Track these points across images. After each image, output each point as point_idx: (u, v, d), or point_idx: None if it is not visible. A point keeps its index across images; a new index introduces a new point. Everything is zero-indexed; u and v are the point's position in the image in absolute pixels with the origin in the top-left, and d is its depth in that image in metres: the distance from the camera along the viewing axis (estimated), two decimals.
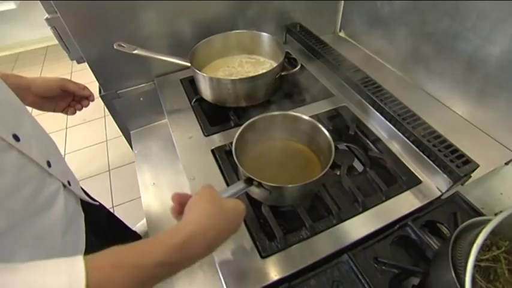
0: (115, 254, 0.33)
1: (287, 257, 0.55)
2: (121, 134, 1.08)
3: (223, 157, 0.71)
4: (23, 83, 0.66)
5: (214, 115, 0.81)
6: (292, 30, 1.04)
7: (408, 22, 0.85)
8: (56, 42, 0.85)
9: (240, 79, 0.74)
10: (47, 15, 0.81)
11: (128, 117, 1.03)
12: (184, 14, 0.89)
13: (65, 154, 1.90)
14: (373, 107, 0.77)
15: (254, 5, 0.95)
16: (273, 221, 0.59)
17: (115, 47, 0.71)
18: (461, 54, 0.73)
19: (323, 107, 0.84)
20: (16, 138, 0.46)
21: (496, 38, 0.66)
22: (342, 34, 1.14)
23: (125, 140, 1.09)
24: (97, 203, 0.75)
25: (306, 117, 0.66)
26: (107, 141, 1.93)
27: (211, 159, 0.72)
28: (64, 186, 0.58)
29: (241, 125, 0.77)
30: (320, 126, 0.64)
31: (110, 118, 2.02)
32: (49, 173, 0.53)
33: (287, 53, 0.87)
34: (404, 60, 0.92)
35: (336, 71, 0.87)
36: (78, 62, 1.00)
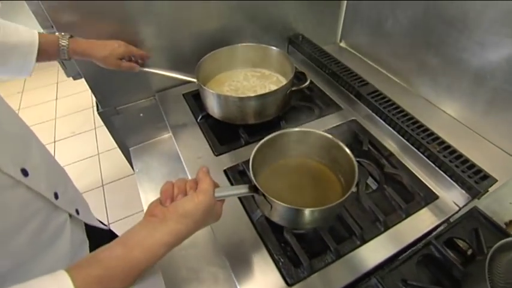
0: (97, 283, 0.33)
1: (314, 284, 0.54)
2: (114, 146, 1.03)
3: (237, 177, 0.69)
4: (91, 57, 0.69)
5: (223, 133, 0.79)
6: (295, 41, 1.03)
7: (413, 34, 0.85)
8: None
9: (250, 97, 0.72)
10: (42, 31, 0.76)
11: (127, 133, 0.99)
12: (184, 27, 0.86)
13: None
14: (384, 121, 0.76)
15: (257, 16, 0.94)
16: (297, 246, 0.57)
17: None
18: (469, 66, 0.74)
19: (332, 121, 0.83)
20: (25, 173, 0.42)
21: (504, 51, 0.67)
22: (342, 44, 1.14)
23: (119, 153, 1.05)
24: (106, 227, 0.71)
25: (325, 134, 0.64)
26: (98, 154, 1.86)
27: (225, 180, 0.69)
28: (71, 215, 0.54)
29: (251, 142, 0.76)
30: (340, 143, 0.62)
31: (100, 130, 1.98)
32: (55, 205, 0.49)
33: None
34: (408, 72, 0.92)
35: (343, 84, 0.87)
36: (75, 79, 0.96)
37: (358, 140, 0.78)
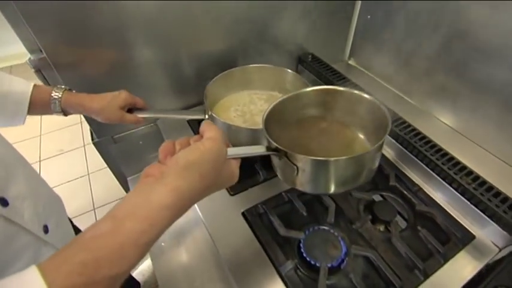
0: (81, 267, 0.25)
1: None
2: (105, 165, 0.94)
3: (258, 223, 0.62)
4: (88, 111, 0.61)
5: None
6: (304, 60, 0.97)
7: (432, 56, 0.81)
8: (23, 61, 0.70)
9: None
10: (29, 56, 0.68)
11: (125, 162, 0.91)
12: (188, 47, 0.79)
13: None
14: (407, 149, 0.71)
15: (266, 35, 0.87)
16: None
17: None
18: (497, 92, 0.70)
19: None
20: (3, 202, 0.38)
21: None
22: (351, 62, 1.09)
23: (110, 173, 0.96)
24: None
25: (343, 89, 0.57)
26: (88, 174, 1.75)
27: (244, 225, 0.62)
28: None
29: (270, 178, 0.69)
30: (363, 94, 0.54)
31: (90, 148, 1.83)
32: (45, 241, 0.44)
33: None
34: (425, 94, 0.88)
35: None
36: None
37: (383, 172, 0.72)
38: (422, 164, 0.69)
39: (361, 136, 0.60)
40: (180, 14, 0.72)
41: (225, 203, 0.66)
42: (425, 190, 0.68)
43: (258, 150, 0.44)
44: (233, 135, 0.69)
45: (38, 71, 0.66)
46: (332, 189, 0.47)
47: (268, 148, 0.44)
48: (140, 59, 0.74)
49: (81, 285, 0.24)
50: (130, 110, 0.63)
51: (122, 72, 0.74)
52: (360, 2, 0.94)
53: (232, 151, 0.38)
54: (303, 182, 0.46)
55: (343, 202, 0.66)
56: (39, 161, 1.84)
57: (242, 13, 0.79)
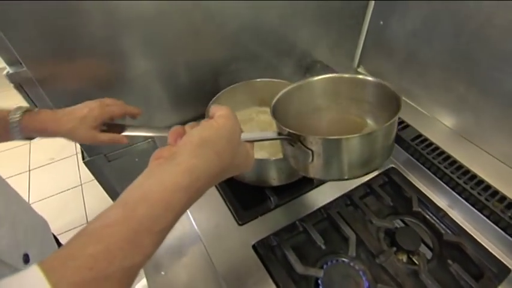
0: (90, 260, 0.23)
1: None
2: None
3: (271, 257, 0.55)
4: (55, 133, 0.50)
5: (245, 192, 0.65)
6: (312, 69, 0.91)
7: (452, 66, 0.75)
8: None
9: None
10: (7, 70, 0.60)
11: (121, 182, 0.84)
12: (189, 57, 0.72)
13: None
14: (429, 170, 0.65)
15: (272, 44, 0.81)
16: None
17: None
18: None
19: None
20: None
21: None
22: (361, 70, 1.03)
23: None
24: None
25: (347, 75, 0.53)
26: (81, 184, 1.66)
27: (255, 260, 0.55)
28: None
29: (282, 205, 0.63)
30: (366, 77, 0.52)
31: None
32: None
33: None
34: (443, 105, 0.82)
35: None
36: None
37: (403, 195, 0.66)
38: (447, 187, 0.63)
39: (371, 123, 0.55)
40: (179, 20, 0.65)
41: (234, 234, 0.59)
42: (451, 216, 0.62)
43: (271, 135, 0.42)
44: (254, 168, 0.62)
45: (19, 86, 0.59)
46: (348, 173, 0.43)
47: (280, 134, 0.43)
48: (135, 71, 0.67)
49: (92, 281, 0.22)
50: (112, 127, 0.52)
51: (115, 85, 0.67)
52: (371, 8, 0.88)
53: (245, 136, 0.37)
54: (318, 169, 0.43)
55: (363, 231, 0.60)
56: (29, 171, 1.75)
57: (247, 20, 0.72)
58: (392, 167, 0.72)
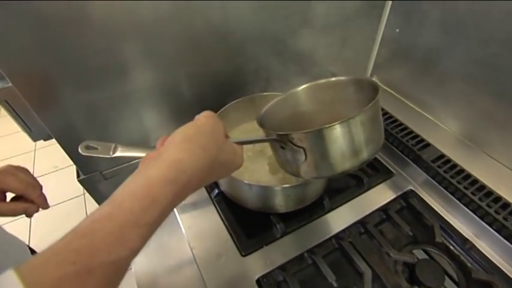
0: (73, 254, 0.22)
1: None
2: None
3: None
4: None
5: (249, 219, 0.59)
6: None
7: (477, 78, 0.68)
8: None
9: (298, 185, 0.52)
10: None
11: None
12: (192, 69, 0.67)
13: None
14: (459, 200, 0.58)
15: (281, 55, 0.75)
16: None
17: (80, 150, 0.43)
18: None
19: (385, 194, 0.65)
20: None
21: None
22: (374, 79, 0.96)
23: None
24: None
25: (323, 80, 0.55)
26: (84, 194, 1.64)
27: None
28: None
29: (289, 233, 0.57)
30: (339, 78, 0.53)
31: None
32: None
33: None
34: (466, 121, 0.75)
35: (396, 143, 0.69)
36: (46, 139, 0.76)
37: (424, 223, 0.60)
38: (475, 215, 0.56)
39: None
40: (178, 30, 0.60)
41: (236, 267, 0.53)
42: (479, 248, 0.56)
43: (260, 137, 0.45)
44: (239, 190, 0.57)
45: (5, 103, 0.55)
46: (340, 166, 0.43)
47: (269, 140, 0.45)
48: (132, 84, 0.62)
49: (74, 275, 0.21)
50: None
51: (110, 100, 0.62)
52: (387, 14, 0.82)
53: (234, 139, 0.38)
54: (312, 167, 0.43)
55: (379, 265, 0.54)
56: None
57: (252, 29, 0.67)
58: (411, 190, 0.65)
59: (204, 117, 0.34)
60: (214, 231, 0.59)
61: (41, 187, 0.48)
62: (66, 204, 1.61)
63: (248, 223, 0.59)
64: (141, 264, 0.58)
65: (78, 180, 0.72)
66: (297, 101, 0.57)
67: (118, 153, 0.49)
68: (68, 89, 0.57)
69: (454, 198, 0.59)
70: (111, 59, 0.57)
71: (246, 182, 0.51)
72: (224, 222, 0.60)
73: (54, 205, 1.61)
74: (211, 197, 0.64)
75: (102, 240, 0.23)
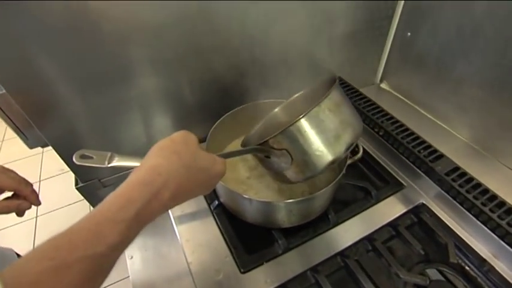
0: (52, 251, 0.25)
1: None
2: None
3: None
4: None
5: (250, 233, 0.56)
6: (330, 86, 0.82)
7: (494, 85, 0.64)
8: None
9: (302, 200, 0.49)
10: None
11: None
12: (186, 74, 0.64)
13: (36, 216, 1.58)
14: (476, 217, 0.54)
15: (286, 59, 0.73)
16: None
17: (75, 160, 0.41)
18: None
19: (395, 208, 0.61)
20: None
21: None
22: (383, 85, 0.93)
23: None
24: None
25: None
26: None
27: None
28: None
29: (292, 248, 0.54)
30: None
31: None
32: None
33: None
34: (481, 130, 0.71)
35: (407, 154, 0.65)
36: (42, 147, 0.75)
37: (437, 240, 0.56)
38: (492, 233, 0.52)
39: None
40: (181, 35, 0.58)
41: (235, 284, 0.50)
42: (498, 270, 0.51)
43: (243, 150, 0.46)
44: (239, 204, 0.54)
45: None
46: (332, 151, 0.45)
47: (252, 150, 0.47)
48: (133, 90, 0.60)
49: (52, 270, 0.23)
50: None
51: (111, 108, 0.61)
52: (398, 17, 0.78)
53: (216, 154, 0.39)
54: (303, 163, 0.45)
55: (387, 287, 0.50)
56: (39, 181, 1.74)
57: (257, 33, 0.65)
58: (423, 204, 0.61)
59: (177, 132, 0.36)
60: (213, 245, 0.56)
61: (31, 184, 0.48)
62: (72, 207, 1.61)
63: (248, 237, 0.56)
64: (138, 273, 0.56)
65: (77, 188, 0.71)
66: (277, 121, 0.60)
67: (114, 163, 0.46)
68: (66, 96, 0.55)
69: (470, 215, 0.55)
70: (112, 64, 0.56)
71: (245, 196, 0.48)
72: (223, 236, 0.57)
73: (60, 208, 1.62)
74: (210, 209, 0.61)
75: (80, 237, 0.25)
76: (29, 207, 0.47)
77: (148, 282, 0.55)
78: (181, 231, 0.59)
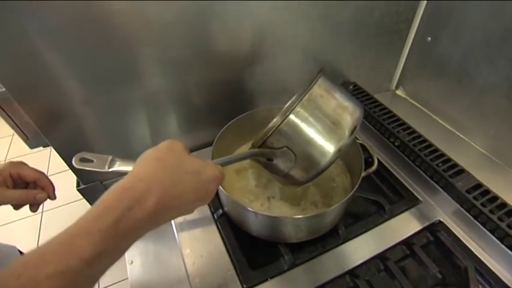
0: (20, 268, 0.23)
1: None
2: None
3: None
4: None
5: (254, 246, 0.53)
6: None
7: None
8: None
9: (311, 216, 0.46)
10: None
11: None
12: (193, 75, 0.62)
13: (42, 211, 1.59)
14: (501, 240, 0.50)
15: (297, 64, 0.69)
16: None
17: (74, 163, 0.40)
18: None
19: (409, 225, 0.57)
20: None
21: None
22: (399, 92, 0.88)
23: None
24: None
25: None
26: None
27: None
28: None
29: (298, 265, 0.51)
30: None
31: None
32: None
33: None
34: (508, 142, 0.66)
35: (425, 168, 0.61)
36: (44, 147, 0.74)
37: (455, 263, 0.52)
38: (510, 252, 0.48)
39: None
40: (188, 34, 0.55)
41: None
42: None
43: (243, 155, 0.44)
44: (244, 216, 0.51)
45: None
46: (336, 139, 0.43)
47: (251, 154, 0.45)
48: (138, 91, 0.58)
49: None
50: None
51: (118, 108, 0.59)
52: (418, 21, 0.74)
53: (216, 160, 0.38)
54: (308, 157, 0.43)
55: None
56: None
57: (268, 34, 0.62)
58: (440, 221, 0.57)
59: (162, 142, 0.35)
60: (215, 257, 0.53)
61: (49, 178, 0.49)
62: (77, 203, 1.60)
63: (253, 251, 0.53)
64: (137, 278, 0.54)
65: (78, 190, 0.69)
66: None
67: (115, 168, 0.44)
68: (70, 95, 0.53)
69: (493, 237, 0.50)
70: (118, 63, 0.54)
71: (250, 209, 0.45)
72: (227, 248, 0.54)
73: (65, 204, 1.62)
74: (214, 218, 0.59)
75: (51, 251, 0.23)
76: (45, 199, 0.47)
77: (146, 284, 0.53)
78: (182, 239, 0.56)
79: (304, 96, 0.41)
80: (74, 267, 0.23)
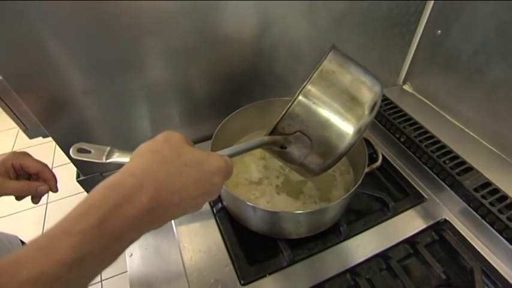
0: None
1: None
2: None
3: None
4: None
5: (254, 242, 0.52)
6: None
7: None
8: None
9: (311, 212, 0.45)
10: None
11: None
12: (196, 67, 0.61)
13: (47, 203, 1.60)
14: (509, 241, 0.48)
15: (302, 56, 0.67)
16: None
17: (71, 153, 0.40)
18: None
19: (413, 223, 0.55)
20: None
21: None
22: (406, 87, 0.86)
23: None
24: None
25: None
26: None
27: None
28: None
29: (298, 261, 0.50)
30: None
31: None
32: None
33: None
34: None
35: (431, 165, 0.59)
36: (44, 137, 0.73)
37: (460, 263, 0.50)
38: None
39: None
40: (190, 25, 0.54)
41: None
42: None
43: (255, 143, 0.39)
44: (242, 211, 0.50)
45: None
46: (356, 116, 0.37)
47: (262, 143, 0.39)
48: (139, 82, 0.57)
49: None
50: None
51: (119, 99, 0.58)
52: (427, 14, 0.71)
53: (224, 151, 0.35)
54: (326, 142, 0.38)
55: None
56: (52, 168, 1.76)
57: (272, 26, 0.60)
58: (445, 220, 0.55)
59: (159, 134, 0.32)
60: (213, 252, 0.52)
61: (51, 170, 0.49)
62: (82, 195, 1.62)
63: (251, 246, 0.52)
64: (136, 271, 0.53)
65: (78, 181, 0.69)
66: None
67: (113, 159, 0.43)
68: (71, 85, 0.52)
69: (501, 238, 0.49)
70: (120, 52, 0.52)
71: (249, 204, 0.44)
72: (225, 242, 0.53)
73: (70, 196, 1.63)
74: (213, 211, 0.58)
75: (27, 255, 0.21)
76: (47, 191, 0.46)
77: (145, 281, 0.52)
78: (180, 233, 0.56)
79: (314, 74, 0.37)
80: (50, 272, 0.20)
